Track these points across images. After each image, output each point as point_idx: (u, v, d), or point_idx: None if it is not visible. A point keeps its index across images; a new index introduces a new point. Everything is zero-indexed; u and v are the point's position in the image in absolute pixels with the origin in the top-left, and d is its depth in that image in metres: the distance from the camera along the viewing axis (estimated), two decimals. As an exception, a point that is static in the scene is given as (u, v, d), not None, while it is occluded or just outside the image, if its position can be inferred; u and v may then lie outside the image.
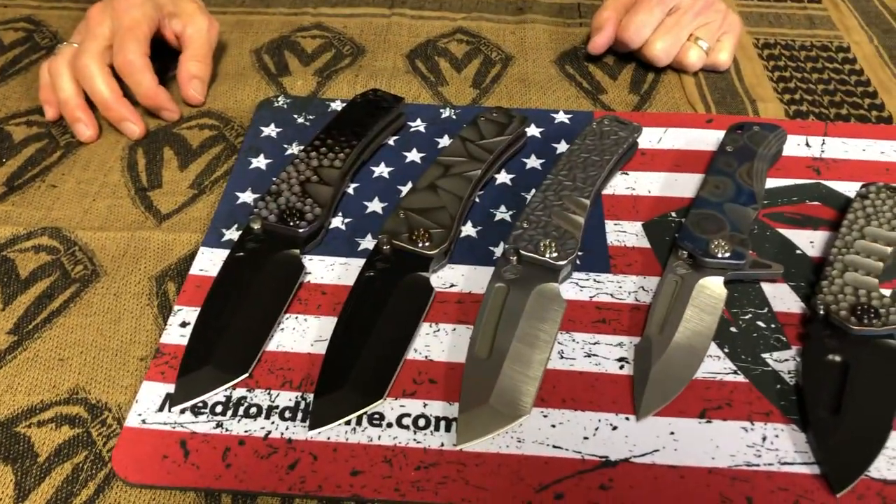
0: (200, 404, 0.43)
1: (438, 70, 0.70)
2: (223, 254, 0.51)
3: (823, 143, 0.62)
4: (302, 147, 0.59)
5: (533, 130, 0.62)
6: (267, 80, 0.67)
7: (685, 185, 0.58)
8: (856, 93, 0.68)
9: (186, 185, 0.57)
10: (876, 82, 0.69)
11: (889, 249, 0.50)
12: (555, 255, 0.49)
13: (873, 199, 0.54)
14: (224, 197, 0.56)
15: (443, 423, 0.43)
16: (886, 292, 0.49)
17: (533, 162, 0.60)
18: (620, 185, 0.58)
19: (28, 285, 0.50)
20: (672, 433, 0.43)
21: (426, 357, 0.46)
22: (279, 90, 0.66)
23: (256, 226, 0.51)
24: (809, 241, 0.54)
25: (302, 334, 0.47)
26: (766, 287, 0.51)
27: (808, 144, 0.62)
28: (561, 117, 0.64)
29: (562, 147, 0.61)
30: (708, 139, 0.62)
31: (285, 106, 0.64)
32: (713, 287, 0.49)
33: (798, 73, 0.70)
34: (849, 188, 0.58)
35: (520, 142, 0.60)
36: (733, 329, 0.48)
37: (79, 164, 0.59)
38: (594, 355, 0.47)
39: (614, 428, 0.43)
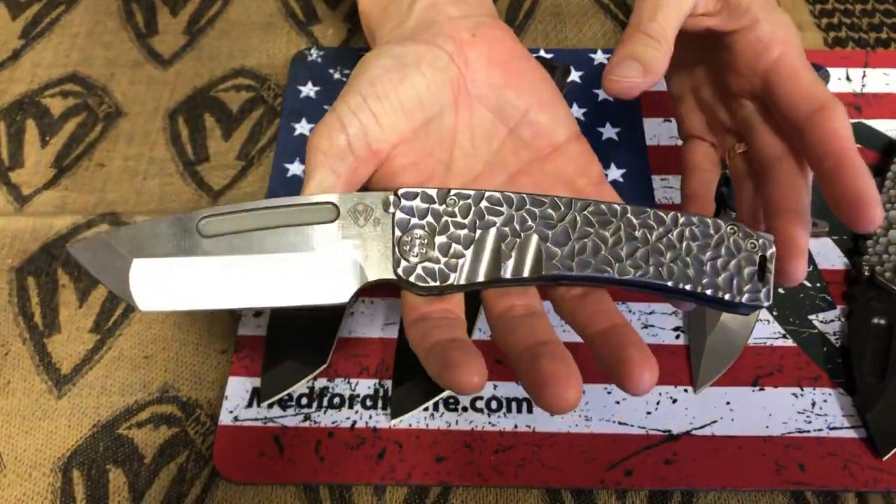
0: (286, 397, 0.46)
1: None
2: (282, 234, 0.53)
3: (864, 76, 0.62)
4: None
5: (573, 75, 0.62)
6: (297, 29, 0.66)
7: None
8: (894, 11, 0.66)
9: (233, 157, 0.58)
10: (916, -2, 0.67)
11: (932, 202, 0.52)
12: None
13: (917, 146, 0.54)
14: (274, 170, 0.56)
15: (514, 405, 0.46)
16: (928, 246, 0.51)
17: (575, 111, 0.60)
18: (665, 134, 0.58)
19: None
20: (728, 403, 0.46)
21: (489, 336, 0.49)
22: (310, 41, 0.65)
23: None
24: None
25: (371, 318, 0.50)
26: (811, 243, 0.53)
27: (848, 78, 0.61)
28: (600, 57, 0.63)
29: (603, 93, 0.61)
30: (748, 77, 0.61)
31: (319, 60, 0.63)
32: (761, 249, 0.51)
33: (836, -8, 0.68)
34: (891, 126, 0.58)
35: (563, 90, 0.60)
36: (781, 291, 0.51)
37: (122, 138, 0.59)
38: (651, 325, 0.49)
39: (674, 401, 0.46)
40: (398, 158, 0.37)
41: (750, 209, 0.41)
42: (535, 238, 0.34)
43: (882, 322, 0.48)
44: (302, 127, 0.59)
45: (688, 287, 0.34)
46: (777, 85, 0.38)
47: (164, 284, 0.33)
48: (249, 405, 0.46)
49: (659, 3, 0.37)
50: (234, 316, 0.50)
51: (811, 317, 0.50)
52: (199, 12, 0.67)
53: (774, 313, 0.50)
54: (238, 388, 0.47)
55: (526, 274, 0.34)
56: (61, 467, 0.44)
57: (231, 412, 0.46)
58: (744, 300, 0.34)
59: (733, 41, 0.39)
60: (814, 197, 0.54)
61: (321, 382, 0.47)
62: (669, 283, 0.34)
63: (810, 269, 0.51)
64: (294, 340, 0.48)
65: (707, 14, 0.39)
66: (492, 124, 0.39)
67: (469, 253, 0.34)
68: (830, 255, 0.52)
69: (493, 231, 0.34)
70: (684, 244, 0.34)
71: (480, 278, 0.34)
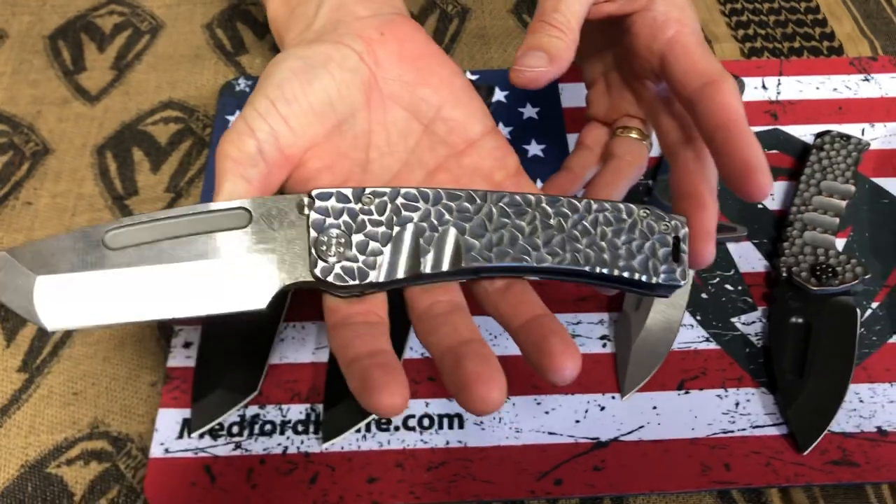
0: (217, 426, 0.46)
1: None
2: (212, 263, 0.53)
3: (779, 84, 0.64)
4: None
5: (498, 94, 0.63)
6: (225, 60, 0.66)
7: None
8: (806, 21, 0.69)
9: (162, 189, 0.58)
10: (825, 8, 0.70)
11: (843, 203, 0.53)
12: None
13: (828, 150, 0.56)
14: (202, 200, 0.57)
15: (446, 421, 0.47)
16: (841, 244, 0.53)
17: (502, 129, 0.61)
18: (587, 148, 0.60)
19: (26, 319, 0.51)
20: (654, 407, 0.47)
21: (422, 355, 0.49)
22: (238, 71, 0.66)
23: (242, 235, 0.52)
24: (770, 194, 0.57)
25: (302, 343, 0.50)
26: (732, 247, 0.54)
27: (764, 87, 0.63)
28: (523, 77, 0.64)
29: (528, 111, 0.62)
30: (668, 89, 0.63)
31: (248, 89, 0.63)
32: (683, 256, 0.52)
33: (749, 4, 0.70)
34: (805, 132, 0.60)
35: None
36: (704, 295, 0.52)
37: (50, 175, 0.59)
38: (578, 335, 0.50)
39: (602, 408, 0.47)
40: (312, 162, 0.37)
41: (594, 186, 0.45)
42: (452, 231, 0.35)
43: (800, 321, 0.49)
44: (231, 156, 0.59)
45: (605, 271, 0.35)
46: (670, 62, 0.39)
47: (71, 301, 0.32)
48: (180, 436, 0.46)
49: None
50: (163, 348, 0.50)
51: (734, 319, 0.51)
52: (126, 47, 0.67)
53: (698, 318, 0.51)
54: (168, 419, 0.47)
55: (446, 267, 0.34)
56: (-12, 510, 0.44)
57: (162, 444, 0.46)
58: (660, 280, 0.35)
59: (631, 23, 0.41)
60: (731, 202, 0.56)
61: (252, 410, 0.47)
62: (587, 269, 0.35)
63: (732, 273, 0.53)
64: (224, 369, 0.48)
65: (610, 0, 0.41)
66: (406, 122, 0.40)
67: (387, 250, 0.34)
68: (751, 259, 0.54)
69: (410, 227, 0.34)
70: (598, 229, 0.35)
71: (400, 275, 0.34)
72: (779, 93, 0.63)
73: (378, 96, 0.39)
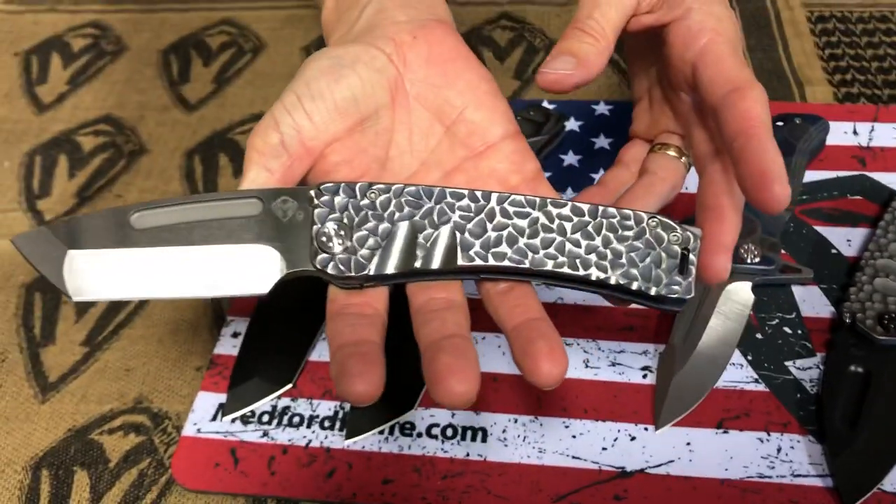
0: (249, 413, 0.48)
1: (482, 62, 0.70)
2: (272, 263, 0.55)
3: (872, 130, 0.60)
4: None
5: (572, 124, 0.63)
6: (315, 79, 0.70)
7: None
8: (913, 68, 0.65)
9: (239, 192, 0.61)
10: (936, 57, 0.66)
11: (925, 252, 0.50)
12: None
13: (914, 196, 0.53)
14: (273, 204, 0.59)
15: (469, 433, 0.46)
16: (918, 296, 0.49)
17: (570, 158, 0.61)
18: (656, 181, 0.58)
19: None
20: (688, 443, 0.45)
21: (456, 366, 0.49)
22: (326, 90, 0.69)
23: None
24: (847, 240, 0.54)
25: (342, 344, 0.51)
26: (797, 290, 0.51)
27: (855, 132, 0.60)
28: (601, 108, 0.64)
29: (600, 141, 0.62)
30: (750, 129, 0.61)
31: (332, 106, 0.66)
32: (740, 293, 0.50)
33: (851, 50, 0.68)
34: (895, 180, 0.57)
35: (558, 138, 0.61)
36: (759, 335, 0.49)
37: (142, 173, 0.63)
38: (619, 364, 0.49)
39: (633, 438, 0.45)
40: (332, 156, 0.38)
41: (623, 200, 0.43)
42: (449, 229, 0.35)
43: (859, 370, 0.46)
44: (305, 166, 0.62)
45: (602, 276, 0.34)
46: (701, 70, 0.38)
47: (97, 275, 0.35)
48: (213, 419, 0.48)
49: (597, 1, 0.39)
50: (214, 336, 0.52)
51: (788, 363, 0.48)
52: (229, 63, 0.72)
53: (749, 357, 0.48)
54: (205, 402, 0.48)
55: (440, 264, 0.35)
56: (32, 466, 0.47)
57: (195, 424, 0.47)
58: (662, 292, 0.34)
59: (667, 33, 0.41)
60: (804, 245, 0.53)
61: (284, 402, 0.48)
62: (583, 274, 0.34)
63: (793, 315, 0.50)
64: (263, 360, 0.49)
65: (650, 12, 0.41)
66: (429, 123, 0.41)
67: (385, 244, 0.35)
68: (816, 303, 0.51)
69: (408, 223, 0.35)
70: (602, 235, 0.34)
71: (394, 269, 0.35)
72: (870, 139, 0.60)
73: (403, 97, 0.40)
